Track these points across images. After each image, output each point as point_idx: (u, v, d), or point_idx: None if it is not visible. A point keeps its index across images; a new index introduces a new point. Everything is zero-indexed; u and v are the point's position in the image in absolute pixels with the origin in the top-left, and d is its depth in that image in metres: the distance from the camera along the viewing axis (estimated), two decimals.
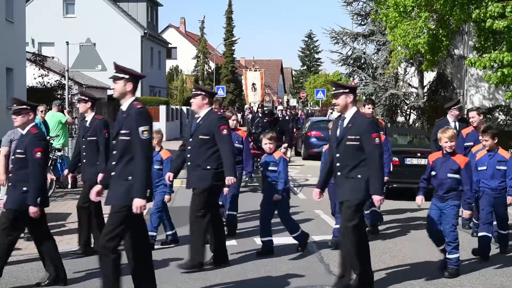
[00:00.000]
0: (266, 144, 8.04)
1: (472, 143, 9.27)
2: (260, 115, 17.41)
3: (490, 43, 18.03)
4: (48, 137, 11.96)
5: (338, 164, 6.45)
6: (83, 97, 8.24)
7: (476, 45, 19.11)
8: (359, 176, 6.34)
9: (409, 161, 12.94)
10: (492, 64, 16.58)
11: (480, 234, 7.89)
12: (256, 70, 19.05)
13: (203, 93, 7.27)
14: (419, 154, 13.02)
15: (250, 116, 19.12)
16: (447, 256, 7.05)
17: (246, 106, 19.83)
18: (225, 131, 7.16)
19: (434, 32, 19.45)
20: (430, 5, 18.94)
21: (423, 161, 12.93)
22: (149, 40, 41.58)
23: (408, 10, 19.14)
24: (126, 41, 38.33)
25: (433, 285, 6.79)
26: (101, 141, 7.91)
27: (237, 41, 64.11)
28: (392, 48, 23.18)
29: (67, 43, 16.20)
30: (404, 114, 28.23)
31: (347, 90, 6.48)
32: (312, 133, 22.37)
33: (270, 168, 7.96)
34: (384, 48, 27.83)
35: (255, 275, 7.10)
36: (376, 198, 6.34)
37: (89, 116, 8.11)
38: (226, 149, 7.16)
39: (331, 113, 36.83)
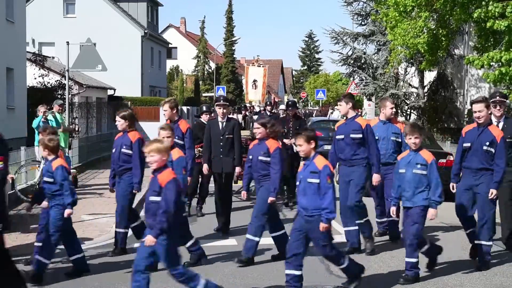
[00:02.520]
0: None
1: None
2: (268, 113, 15.40)
3: (490, 43, 18.03)
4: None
5: None
6: None
7: (477, 45, 19.12)
8: None
9: None
10: (490, 63, 16.58)
11: (286, 271, 6.23)
12: (260, 66, 18.50)
13: None
14: None
15: (252, 115, 17.58)
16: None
17: (250, 104, 18.79)
18: None
19: (434, 32, 19.46)
20: (430, 5, 18.95)
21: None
22: (149, 40, 41.57)
23: (408, 10, 19.16)
24: (126, 41, 38.33)
25: (433, 285, 6.79)
26: None
27: (237, 41, 64.11)
28: (392, 47, 23.20)
29: (67, 43, 16.18)
30: (404, 114, 28.23)
31: None
32: None
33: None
34: (385, 48, 27.84)
35: (255, 275, 7.10)
36: None
37: None
38: None
39: (331, 113, 36.85)
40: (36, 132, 12.21)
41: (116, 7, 39.97)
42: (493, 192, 7.40)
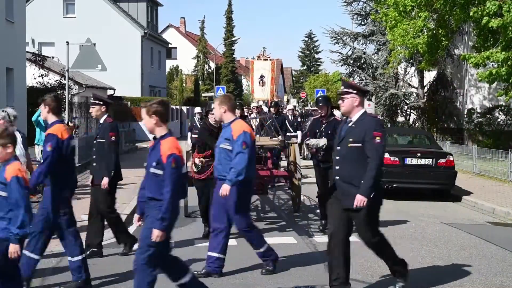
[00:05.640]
0: None
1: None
2: (274, 115, 14.17)
3: (490, 43, 18.06)
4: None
5: None
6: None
7: (476, 45, 19.14)
8: None
9: (409, 161, 12.96)
10: (485, 62, 16.68)
11: None
12: (266, 60, 17.37)
13: None
14: (419, 154, 13.05)
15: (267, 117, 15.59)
16: None
17: (253, 105, 17.52)
18: None
19: (434, 32, 19.49)
20: (430, 5, 18.97)
21: (423, 161, 12.96)
22: (149, 40, 41.59)
23: (408, 10, 19.19)
24: (126, 41, 38.35)
25: (432, 285, 6.79)
26: None
27: (237, 41, 64.13)
28: (392, 47, 23.22)
29: (67, 43, 16.19)
30: (404, 114, 28.25)
31: None
32: None
33: None
34: (384, 48, 27.87)
35: (255, 275, 7.09)
36: None
37: None
38: None
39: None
40: (37, 129, 12.21)
41: (116, 7, 39.99)
42: (154, 234, 5.10)
